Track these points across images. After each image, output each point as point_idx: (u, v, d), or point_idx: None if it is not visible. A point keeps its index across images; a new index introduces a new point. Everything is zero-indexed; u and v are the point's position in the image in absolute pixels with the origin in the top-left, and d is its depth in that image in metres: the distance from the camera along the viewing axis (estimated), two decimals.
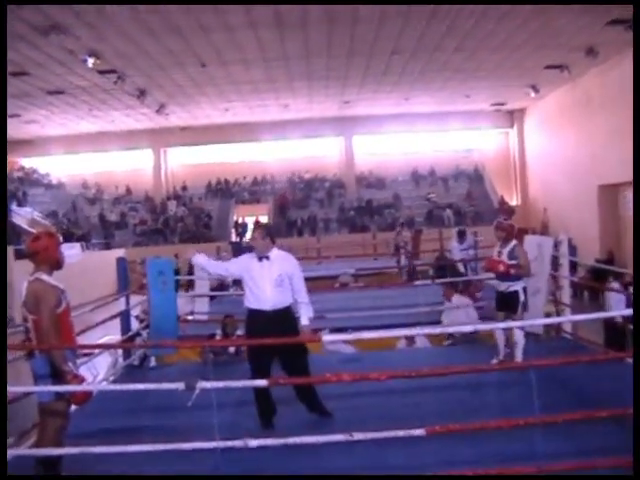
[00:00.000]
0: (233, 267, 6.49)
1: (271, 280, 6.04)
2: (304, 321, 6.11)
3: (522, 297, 7.56)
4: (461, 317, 9.90)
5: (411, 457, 4.82)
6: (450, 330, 9.22)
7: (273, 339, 5.66)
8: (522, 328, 7.25)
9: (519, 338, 7.42)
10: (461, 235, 15.74)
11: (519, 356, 7.38)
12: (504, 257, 7.61)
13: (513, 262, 7.53)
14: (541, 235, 14.92)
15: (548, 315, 9.05)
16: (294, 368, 6.04)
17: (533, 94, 27.22)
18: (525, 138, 34.22)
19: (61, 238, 5.18)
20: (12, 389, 5.08)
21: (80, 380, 4.64)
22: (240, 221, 31.85)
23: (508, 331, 7.59)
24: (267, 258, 6.11)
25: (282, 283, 6.05)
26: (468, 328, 6.32)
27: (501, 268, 7.55)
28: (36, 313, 4.56)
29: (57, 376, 4.52)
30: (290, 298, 6.14)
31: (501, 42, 19.85)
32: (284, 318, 6.07)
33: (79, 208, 33.99)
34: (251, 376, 5.89)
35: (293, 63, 21.59)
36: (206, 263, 6.46)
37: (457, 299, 10.32)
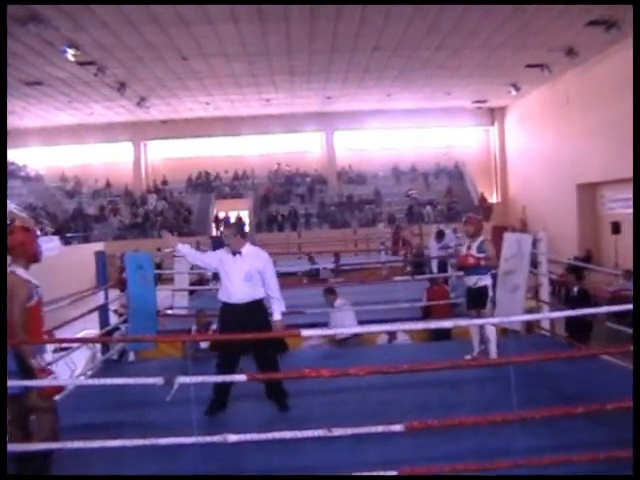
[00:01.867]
0: (210, 259, 6.68)
1: (241, 274, 6.21)
2: (276, 316, 6.29)
3: (490, 292, 7.72)
4: (345, 320, 9.89)
5: (390, 453, 4.83)
6: (432, 326, 9.24)
7: (252, 334, 5.69)
8: (494, 324, 7.31)
9: (491, 334, 7.48)
10: (440, 235, 15.87)
11: (493, 352, 7.44)
12: (473, 251, 7.71)
13: (482, 255, 7.64)
14: (520, 232, 15.02)
15: (530, 311, 9.10)
16: (264, 362, 6.22)
17: (514, 92, 27.40)
18: (506, 136, 34.47)
19: (38, 232, 5.12)
20: None
21: (48, 374, 4.60)
22: (222, 216, 31.72)
23: (482, 328, 7.65)
24: (240, 253, 6.30)
25: (252, 278, 6.20)
26: (448, 324, 6.34)
27: (470, 260, 7.69)
28: (7, 306, 4.52)
29: (25, 371, 4.48)
30: (261, 292, 6.28)
31: (483, 41, 19.97)
32: (254, 311, 6.20)
33: (57, 201, 33.72)
34: (217, 367, 6.16)
35: (275, 58, 21.56)
36: (188, 252, 6.68)
37: (340, 302, 10.34)
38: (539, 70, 23.58)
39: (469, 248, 7.80)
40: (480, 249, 7.69)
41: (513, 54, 21.63)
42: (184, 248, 6.65)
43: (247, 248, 6.37)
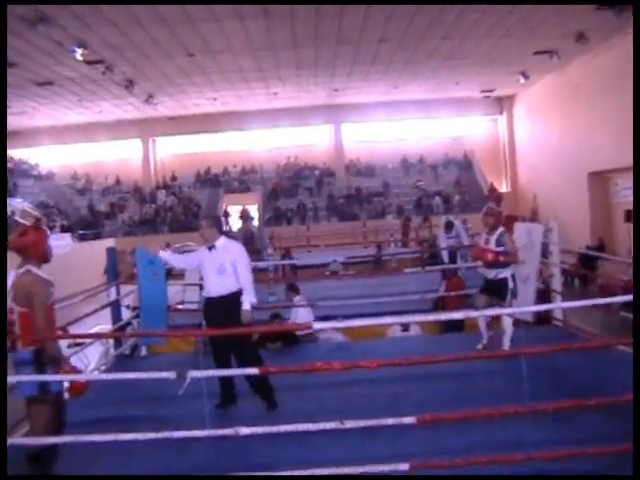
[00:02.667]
0: (192, 259, 6.77)
1: (214, 267, 6.26)
2: (245, 306, 6.21)
3: (511, 284, 7.55)
4: (299, 317, 9.92)
5: (401, 445, 4.85)
6: (442, 318, 9.22)
7: (272, 327, 5.72)
8: (511, 315, 7.27)
9: (507, 326, 7.44)
10: (448, 226, 15.79)
11: (507, 344, 7.40)
12: (491, 244, 7.58)
13: (501, 249, 7.52)
14: (531, 222, 14.96)
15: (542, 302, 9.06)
16: (242, 357, 6.17)
17: (522, 80, 27.19)
18: (514, 125, 34.26)
19: (48, 231, 5.12)
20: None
21: (77, 372, 4.64)
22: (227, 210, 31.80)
23: (490, 316, 7.59)
24: (214, 247, 6.35)
25: (224, 270, 6.23)
26: (459, 315, 6.34)
27: (489, 257, 7.52)
28: (27, 306, 4.54)
29: (42, 369, 4.51)
30: (233, 285, 6.25)
31: (490, 28, 19.82)
32: (227, 305, 6.20)
33: (68, 199, 33.87)
34: (214, 363, 6.16)
35: (281, 52, 21.52)
36: (171, 258, 6.80)
37: (298, 299, 10.34)
38: (548, 57, 23.39)
39: (487, 241, 7.70)
40: (499, 242, 7.55)
41: (521, 41, 21.44)
42: (165, 255, 6.70)
43: (221, 241, 6.38)
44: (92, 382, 6.79)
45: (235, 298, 6.23)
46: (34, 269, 4.67)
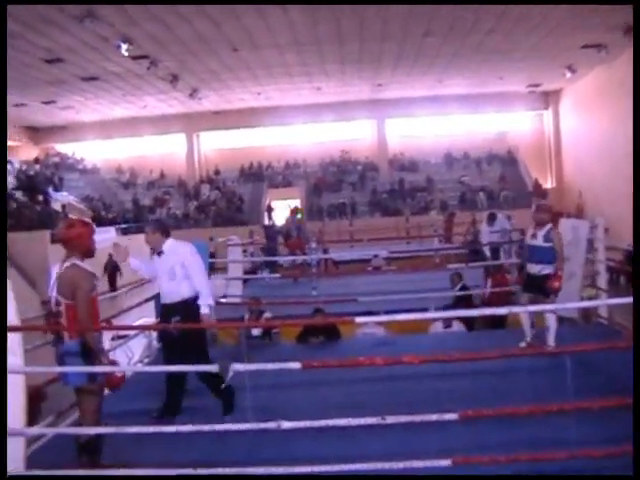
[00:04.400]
0: (152, 267, 6.26)
1: (164, 273, 6.00)
2: (204, 310, 5.98)
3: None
4: None
5: (443, 441, 4.81)
6: (487, 313, 9.12)
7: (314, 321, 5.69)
8: (555, 312, 7.16)
9: (552, 322, 7.33)
10: (491, 219, 15.52)
11: (551, 341, 7.29)
12: (539, 240, 7.48)
13: (549, 245, 7.40)
14: (576, 219, 14.73)
15: (589, 299, 8.92)
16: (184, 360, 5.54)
17: (569, 75, 26.79)
18: (560, 120, 33.78)
19: (94, 225, 5.15)
20: (49, 369, 5.17)
21: (114, 364, 4.69)
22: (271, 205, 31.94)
23: (534, 313, 7.49)
24: (162, 252, 6.04)
25: (174, 275, 5.95)
26: (503, 311, 6.30)
27: (556, 285, 7.37)
28: (72, 298, 4.61)
29: (89, 360, 4.57)
30: (188, 290, 5.99)
31: (537, 22, 19.56)
32: (181, 312, 5.92)
33: (113, 192, 34.40)
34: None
35: (326, 47, 21.54)
36: (138, 267, 6.33)
37: None
38: (595, 51, 23.02)
39: (534, 236, 7.59)
40: (547, 238, 7.44)
41: (568, 35, 21.13)
42: (134, 263, 6.25)
43: (168, 245, 6.05)
44: (136, 374, 6.91)
45: (188, 305, 5.95)
46: (78, 262, 4.72)
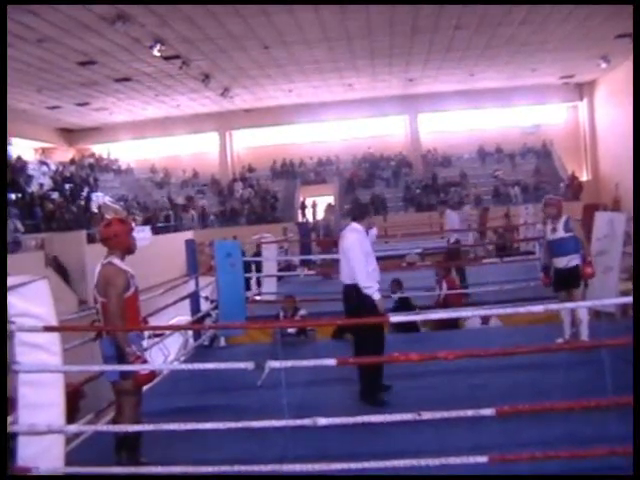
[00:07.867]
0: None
1: None
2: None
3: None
4: None
5: (479, 438, 4.79)
6: (522, 310, 9.03)
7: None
8: (589, 307, 7.09)
9: (583, 315, 7.25)
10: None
11: (585, 334, 7.20)
12: (560, 231, 7.43)
13: (570, 234, 7.35)
14: (613, 211, 14.52)
15: (626, 293, 8.78)
16: None
17: (604, 65, 26.39)
18: (595, 111, 33.24)
19: (133, 224, 5.21)
20: (83, 369, 5.25)
21: (142, 361, 4.73)
22: (310, 202, 31.99)
23: (574, 311, 7.42)
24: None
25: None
26: (539, 308, 6.22)
27: (590, 271, 7.35)
28: (105, 296, 4.68)
29: (122, 357, 4.63)
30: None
31: (569, 12, 19.31)
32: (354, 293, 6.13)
33: (147, 192, 34.73)
34: None
35: (356, 42, 21.49)
36: None
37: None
38: (630, 40, 22.59)
39: (554, 230, 7.55)
40: (567, 228, 7.43)
41: (602, 24, 20.83)
42: None
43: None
44: (172, 372, 6.97)
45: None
46: (116, 260, 4.78)
